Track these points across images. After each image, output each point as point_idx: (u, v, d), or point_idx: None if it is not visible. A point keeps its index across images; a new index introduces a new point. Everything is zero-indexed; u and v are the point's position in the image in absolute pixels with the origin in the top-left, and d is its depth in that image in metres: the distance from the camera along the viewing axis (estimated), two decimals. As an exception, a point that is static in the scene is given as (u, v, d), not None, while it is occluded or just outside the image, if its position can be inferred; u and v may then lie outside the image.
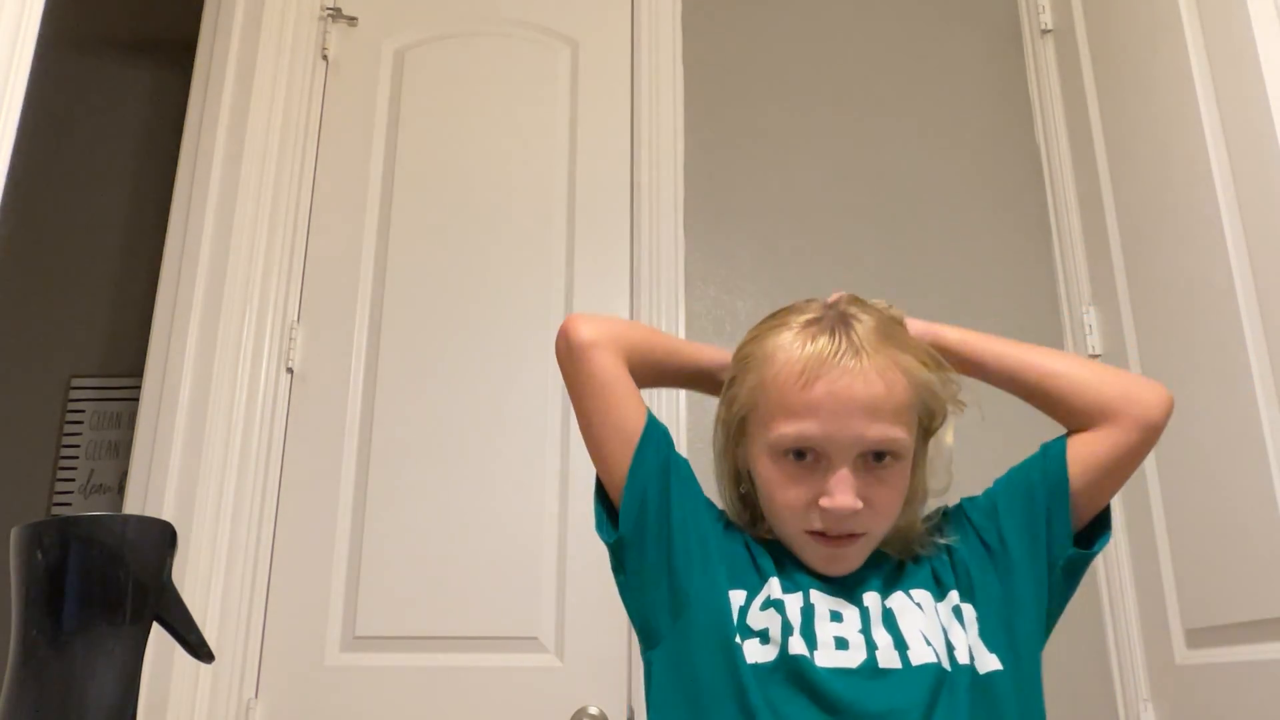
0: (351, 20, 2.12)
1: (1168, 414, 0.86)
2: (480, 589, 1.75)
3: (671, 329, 1.87)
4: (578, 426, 0.92)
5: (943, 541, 0.89)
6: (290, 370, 1.91)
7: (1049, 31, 2.00)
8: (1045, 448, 0.90)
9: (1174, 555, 1.55)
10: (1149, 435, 0.86)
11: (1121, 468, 0.87)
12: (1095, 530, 0.89)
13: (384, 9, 2.15)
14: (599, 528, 0.89)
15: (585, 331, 0.86)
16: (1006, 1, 2.09)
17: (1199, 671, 1.48)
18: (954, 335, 0.93)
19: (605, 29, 2.10)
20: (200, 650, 0.93)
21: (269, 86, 2.00)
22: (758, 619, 0.81)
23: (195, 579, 1.69)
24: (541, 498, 1.80)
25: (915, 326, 0.93)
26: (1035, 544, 0.87)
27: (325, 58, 2.10)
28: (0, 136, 0.99)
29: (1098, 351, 1.78)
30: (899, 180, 1.97)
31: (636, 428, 0.85)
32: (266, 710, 1.72)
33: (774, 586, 0.82)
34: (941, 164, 1.98)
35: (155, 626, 0.90)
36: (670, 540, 0.85)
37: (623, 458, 0.85)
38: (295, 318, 1.94)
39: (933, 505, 0.95)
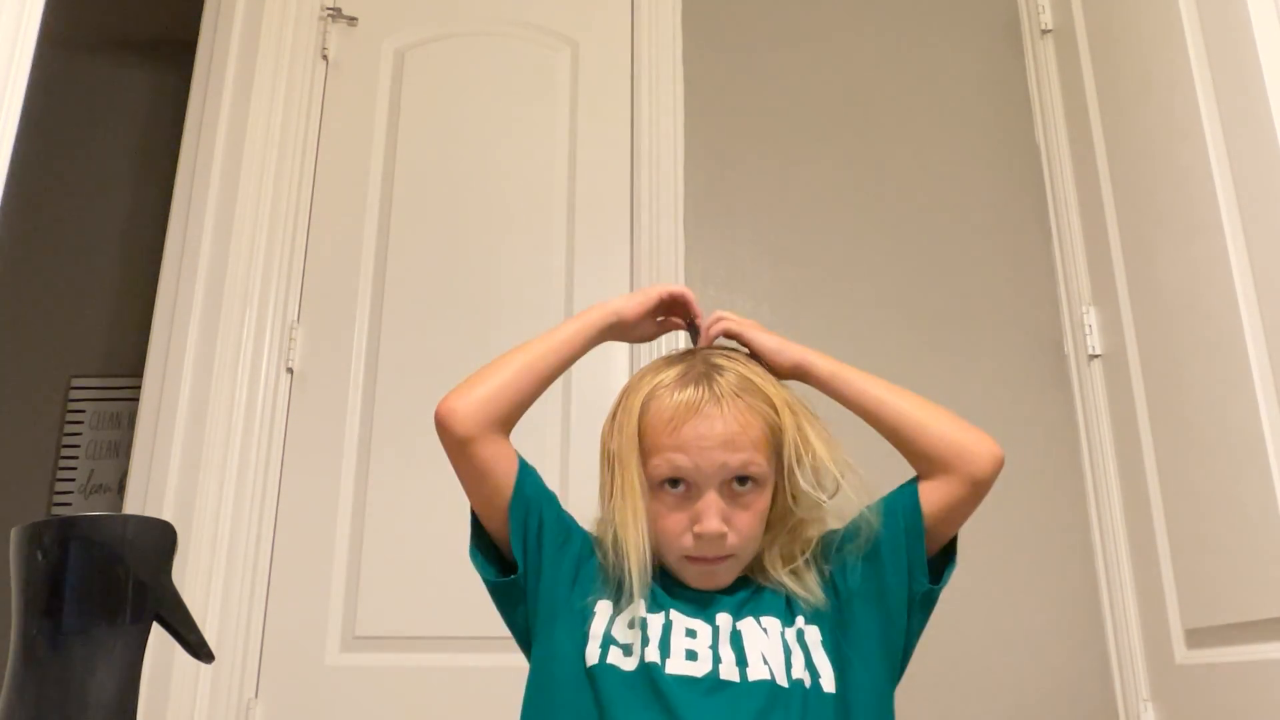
0: (351, 20, 2.12)
1: (994, 471, 0.96)
2: (480, 589, 1.75)
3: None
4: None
5: (799, 584, 0.98)
6: (290, 370, 1.90)
7: (1049, 31, 2.00)
8: (899, 492, 0.99)
9: (1174, 555, 1.55)
10: (977, 490, 0.96)
11: (954, 515, 0.97)
12: (941, 564, 0.98)
13: (384, 9, 2.15)
14: (481, 570, 1.00)
15: (457, 427, 0.95)
16: (1006, 1, 2.09)
17: (1199, 671, 1.48)
18: (825, 367, 1.02)
19: (605, 29, 2.10)
20: (200, 650, 0.93)
21: (269, 86, 2.01)
22: (624, 633, 0.94)
23: (195, 579, 1.69)
24: (541, 498, 1.80)
25: (791, 351, 1.03)
26: (887, 582, 0.96)
27: (325, 58, 2.10)
28: (0, 136, 0.99)
29: (1098, 351, 1.78)
30: (899, 180, 1.97)
31: (509, 490, 0.97)
32: (266, 710, 1.72)
33: (639, 606, 0.95)
34: (942, 164, 1.98)
35: (155, 626, 0.90)
36: (540, 570, 0.98)
37: (500, 515, 0.98)
38: (295, 318, 1.94)
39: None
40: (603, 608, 0.95)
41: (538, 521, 0.98)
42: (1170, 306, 1.55)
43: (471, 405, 0.96)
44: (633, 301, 1.07)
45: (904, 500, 0.97)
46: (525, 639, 1.00)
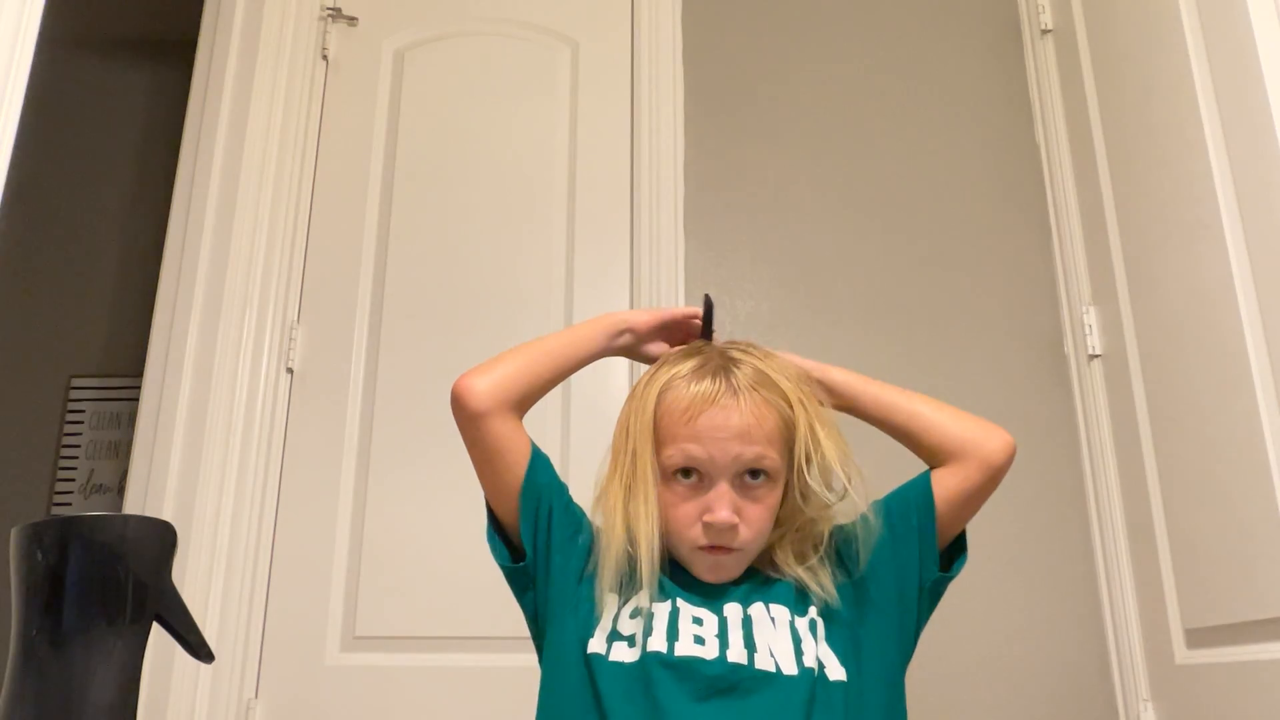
0: (351, 20, 2.12)
1: (1008, 458, 1.00)
2: (480, 589, 1.75)
3: (671, 329, 1.87)
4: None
5: (814, 580, 0.99)
6: (290, 370, 1.90)
7: (1049, 31, 2.00)
8: (913, 481, 1.01)
9: (1174, 555, 1.55)
10: (992, 475, 0.99)
11: (970, 502, 1.00)
12: (952, 555, 1.02)
13: (384, 9, 2.15)
14: (496, 554, 1.02)
15: (474, 401, 0.97)
16: (1006, 1, 2.09)
17: (1199, 671, 1.48)
18: (839, 376, 1.06)
19: (605, 29, 2.10)
20: (200, 650, 0.93)
21: (269, 86, 2.00)
22: (626, 625, 0.95)
23: (195, 579, 1.69)
24: (541, 498, 1.80)
25: (805, 365, 1.06)
26: (904, 569, 0.98)
27: (325, 58, 2.10)
28: (0, 136, 0.99)
29: (1098, 351, 1.78)
30: (899, 180, 1.97)
31: (520, 474, 0.99)
32: (266, 710, 1.72)
33: (643, 597, 0.95)
34: (942, 164, 1.98)
35: (155, 626, 0.90)
36: (550, 559, 0.99)
37: (511, 500, 1.00)
38: (295, 318, 1.94)
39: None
40: (610, 600, 0.96)
41: (548, 511, 0.99)
42: (1170, 306, 1.55)
43: (488, 382, 0.99)
44: (645, 314, 1.10)
45: (917, 489, 1.00)
46: (537, 624, 1.01)
